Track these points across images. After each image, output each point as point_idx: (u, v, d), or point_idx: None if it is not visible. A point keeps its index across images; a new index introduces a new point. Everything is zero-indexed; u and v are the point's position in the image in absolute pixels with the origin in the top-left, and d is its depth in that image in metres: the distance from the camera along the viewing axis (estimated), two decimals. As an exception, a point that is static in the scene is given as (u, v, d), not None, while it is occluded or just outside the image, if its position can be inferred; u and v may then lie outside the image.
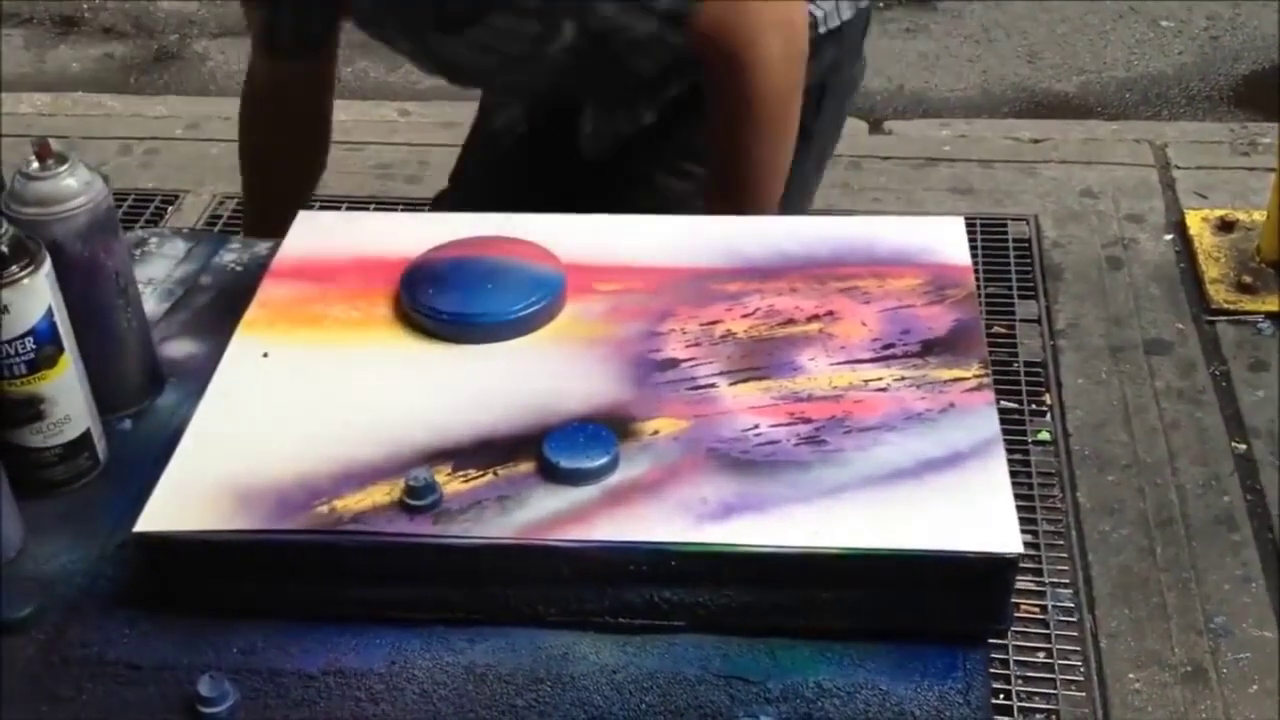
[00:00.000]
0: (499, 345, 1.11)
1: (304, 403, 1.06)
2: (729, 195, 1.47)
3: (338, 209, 2.97)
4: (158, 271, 1.32)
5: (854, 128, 3.35)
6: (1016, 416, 2.42)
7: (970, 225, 1.24)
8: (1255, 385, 2.53)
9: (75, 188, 1.05)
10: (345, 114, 3.44)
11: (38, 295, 1.00)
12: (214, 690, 0.90)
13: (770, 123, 1.44)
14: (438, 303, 1.12)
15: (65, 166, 1.05)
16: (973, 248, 1.21)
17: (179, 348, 1.22)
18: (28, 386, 1.01)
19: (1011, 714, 1.97)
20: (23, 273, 0.99)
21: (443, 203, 1.90)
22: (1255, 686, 2.00)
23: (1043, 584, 2.13)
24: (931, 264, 1.17)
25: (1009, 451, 1.02)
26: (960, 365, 1.06)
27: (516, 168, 1.78)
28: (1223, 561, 2.19)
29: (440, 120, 3.43)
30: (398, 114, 3.47)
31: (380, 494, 0.96)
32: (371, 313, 1.15)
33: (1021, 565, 0.92)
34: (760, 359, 1.08)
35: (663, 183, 1.63)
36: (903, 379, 1.05)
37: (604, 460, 0.97)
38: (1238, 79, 3.64)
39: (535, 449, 0.98)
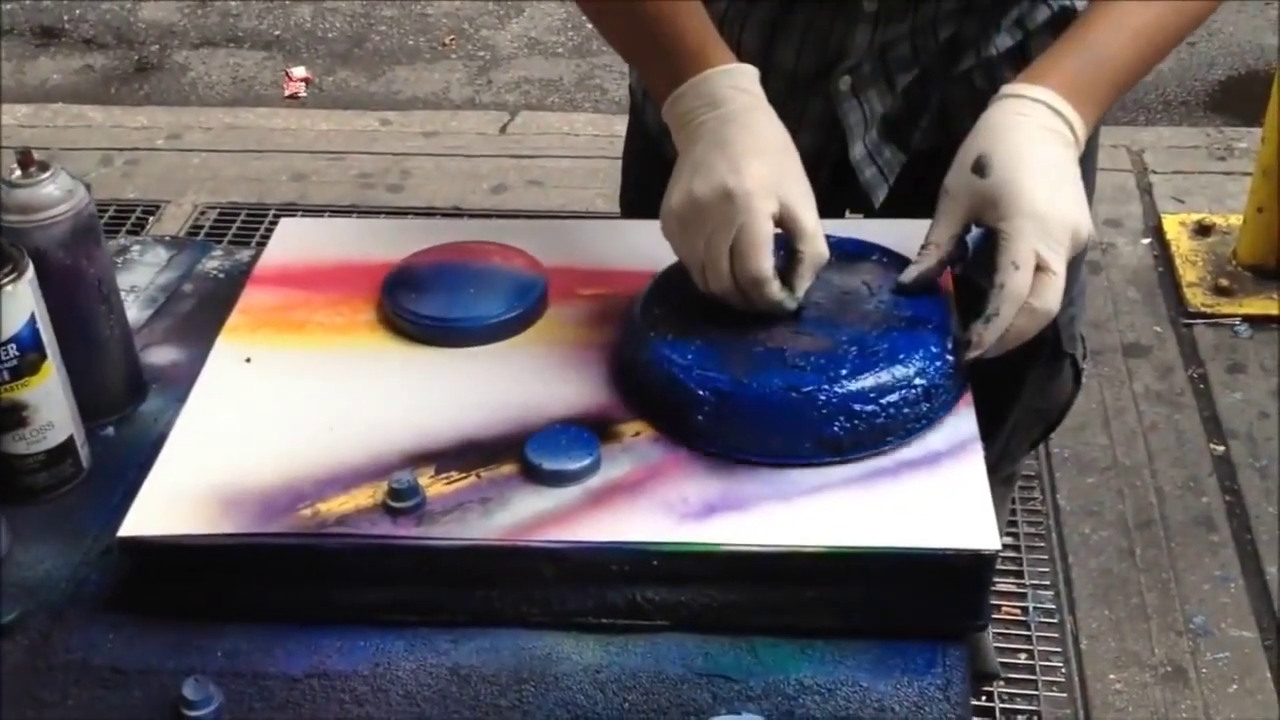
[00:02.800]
0: (481, 349, 1.11)
1: (287, 407, 1.06)
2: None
3: (319, 218, 2.97)
4: (140, 279, 1.32)
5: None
6: (997, 420, 2.43)
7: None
8: (1233, 387, 2.55)
9: (57, 195, 1.05)
10: (326, 123, 3.46)
11: (20, 302, 1.00)
12: (199, 693, 0.90)
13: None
14: (420, 307, 1.13)
15: (47, 174, 1.05)
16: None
17: (162, 354, 1.22)
18: (10, 393, 1.02)
19: (993, 715, 1.98)
20: (5, 280, 0.99)
21: None
22: (1235, 686, 2.01)
23: (1023, 586, 2.14)
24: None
25: (988, 453, 1.03)
26: (938, 366, 1.07)
27: None
28: (1202, 562, 2.21)
29: (421, 129, 3.44)
30: (379, 123, 3.48)
31: (364, 497, 0.97)
32: (354, 318, 1.16)
33: (1002, 567, 0.93)
34: (740, 361, 1.08)
35: None
36: (881, 380, 1.06)
37: (586, 462, 0.97)
38: (1214, 85, 3.67)
39: (517, 451, 0.99)
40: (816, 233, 1.04)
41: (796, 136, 1.09)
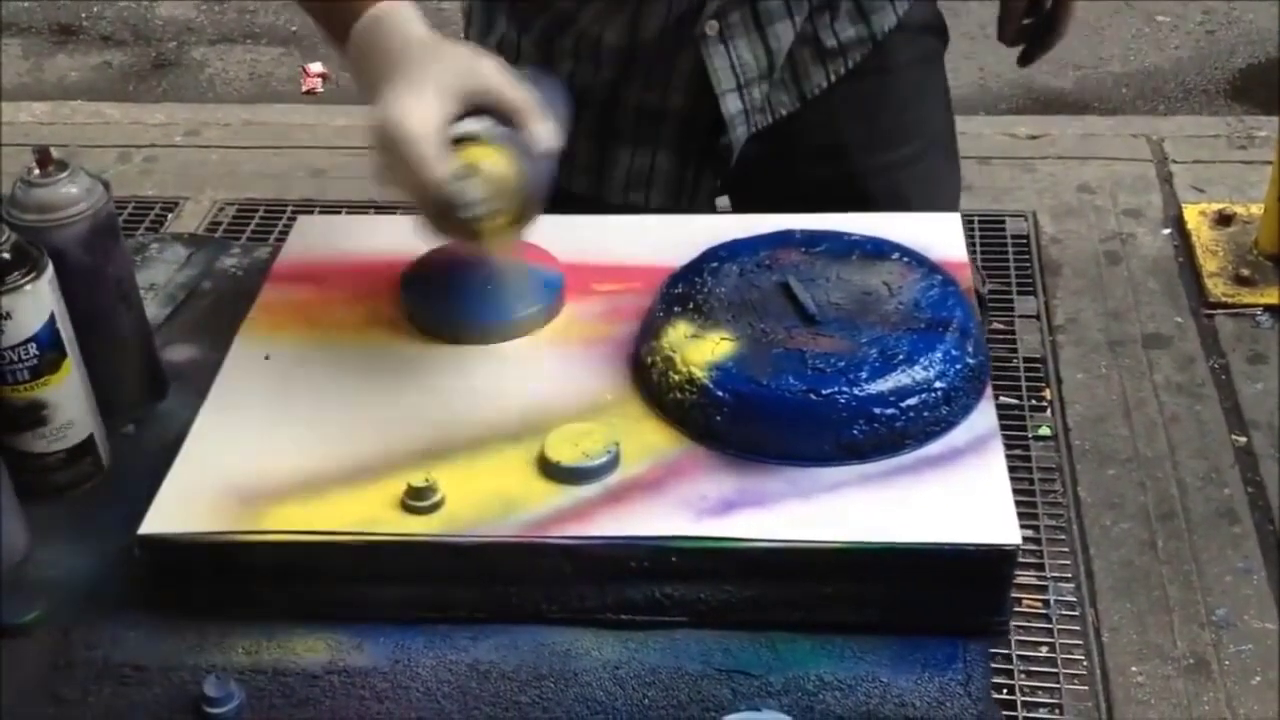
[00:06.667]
0: (499, 346, 1.11)
1: (306, 405, 1.06)
2: None
3: (337, 214, 2.98)
4: (159, 277, 1.32)
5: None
6: (1017, 412, 2.43)
7: (968, 222, 1.25)
8: (1254, 378, 2.53)
9: (76, 194, 1.05)
10: (344, 119, 3.47)
11: (40, 301, 1.00)
12: (219, 690, 0.90)
13: None
14: (437, 304, 1.13)
15: (66, 173, 1.05)
16: (971, 244, 1.21)
17: (181, 352, 1.22)
18: (31, 392, 1.02)
19: (1015, 709, 1.97)
20: (25, 279, 0.99)
21: None
22: (1258, 678, 2.01)
23: (1044, 578, 2.14)
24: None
25: (1009, 447, 1.02)
26: (957, 360, 1.06)
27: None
28: (1224, 554, 2.20)
29: (438, 124, 3.43)
30: (396, 118, 3.47)
31: (382, 494, 0.97)
32: (372, 315, 1.16)
33: (1023, 560, 0.93)
34: (758, 356, 1.08)
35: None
36: (900, 374, 1.05)
37: (604, 459, 0.97)
38: (1234, 73, 3.65)
39: (536, 448, 0.99)
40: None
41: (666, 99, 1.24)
